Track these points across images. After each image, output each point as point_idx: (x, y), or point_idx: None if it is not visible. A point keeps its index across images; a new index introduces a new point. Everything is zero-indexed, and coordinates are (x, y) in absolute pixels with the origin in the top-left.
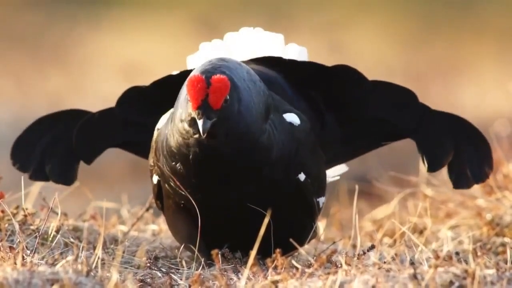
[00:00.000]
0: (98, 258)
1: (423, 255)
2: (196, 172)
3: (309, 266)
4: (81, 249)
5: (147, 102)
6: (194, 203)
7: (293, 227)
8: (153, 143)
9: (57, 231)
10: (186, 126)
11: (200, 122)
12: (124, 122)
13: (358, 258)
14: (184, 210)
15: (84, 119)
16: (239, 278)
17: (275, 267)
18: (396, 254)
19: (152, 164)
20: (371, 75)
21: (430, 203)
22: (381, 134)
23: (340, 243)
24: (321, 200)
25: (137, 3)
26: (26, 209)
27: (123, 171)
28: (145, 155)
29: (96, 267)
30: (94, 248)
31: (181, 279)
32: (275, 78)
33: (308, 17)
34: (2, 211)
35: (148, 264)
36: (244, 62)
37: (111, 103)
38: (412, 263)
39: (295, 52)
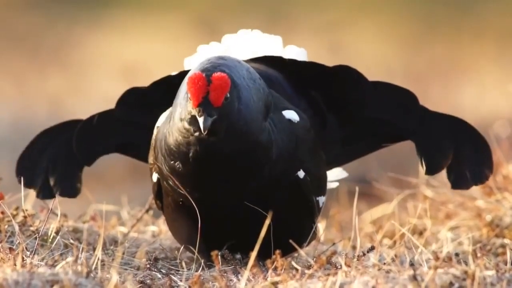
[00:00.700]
0: (98, 259)
1: (423, 256)
2: (196, 171)
3: (309, 267)
4: (81, 250)
5: (146, 102)
6: (193, 202)
7: (293, 227)
8: (152, 141)
9: (57, 232)
10: (186, 124)
11: (201, 120)
12: (123, 123)
13: (358, 259)
14: (184, 208)
15: (84, 121)
16: (239, 280)
17: (275, 268)
18: (396, 255)
19: (152, 162)
20: (371, 76)
21: (430, 204)
22: (380, 135)
23: (340, 244)
24: (321, 199)
25: (137, 4)
26: (26, 210)
27: (123, 172)
28: (145, 158)
29: (96, 268)
30: (94, 249)
31: (181, 280)
32: (276, 77)
33: (308, 18)
34: (2, 212)
35: (148, 266)
36: (244, 61)
37: (111, 104)
38: (412, 264)
39: (294, 53)
